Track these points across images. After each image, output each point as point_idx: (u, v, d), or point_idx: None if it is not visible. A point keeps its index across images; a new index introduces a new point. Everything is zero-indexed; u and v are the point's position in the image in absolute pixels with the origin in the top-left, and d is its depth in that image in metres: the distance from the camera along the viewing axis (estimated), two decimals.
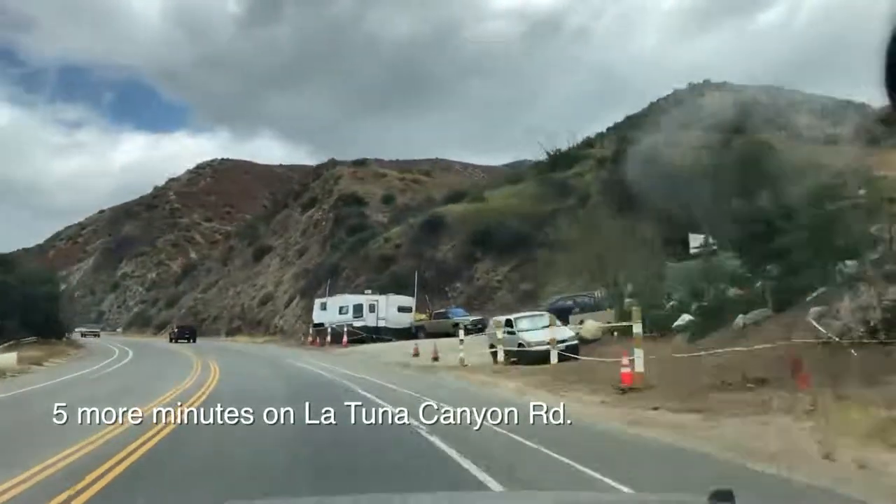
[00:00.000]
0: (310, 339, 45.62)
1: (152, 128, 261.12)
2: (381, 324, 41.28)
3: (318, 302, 46.67)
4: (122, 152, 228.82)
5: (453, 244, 47.04)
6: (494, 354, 22.90)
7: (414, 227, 51.34)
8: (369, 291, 43.58)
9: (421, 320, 41.18)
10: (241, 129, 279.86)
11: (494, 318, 24.80)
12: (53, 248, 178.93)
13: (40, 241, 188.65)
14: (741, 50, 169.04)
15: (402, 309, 41.87)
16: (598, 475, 6.63)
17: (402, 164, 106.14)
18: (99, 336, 68.80)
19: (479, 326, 39.09)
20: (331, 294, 46.89)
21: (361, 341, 39.77)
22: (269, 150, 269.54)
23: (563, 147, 52.71)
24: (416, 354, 28.75)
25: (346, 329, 40.71)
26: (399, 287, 43.94)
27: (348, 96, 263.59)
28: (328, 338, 42.35)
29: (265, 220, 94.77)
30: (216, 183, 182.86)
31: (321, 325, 44.60)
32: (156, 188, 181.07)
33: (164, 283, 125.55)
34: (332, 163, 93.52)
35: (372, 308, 41.70)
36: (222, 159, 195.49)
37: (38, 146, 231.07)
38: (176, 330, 62.51)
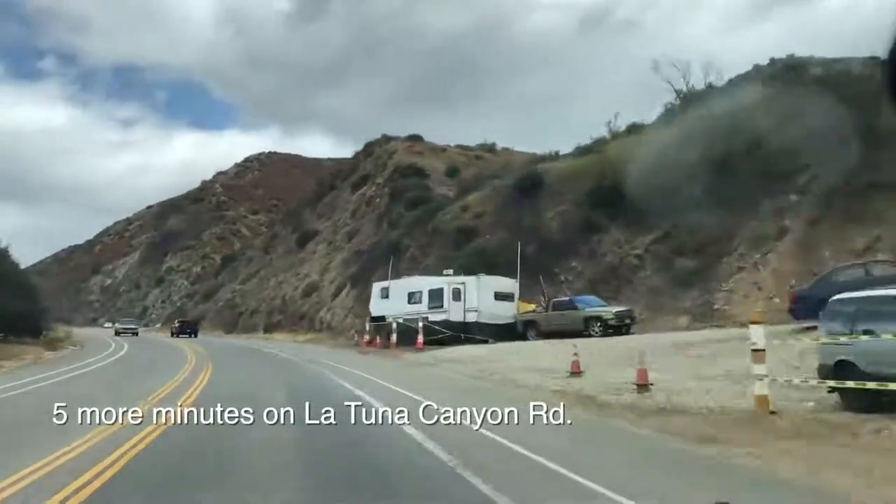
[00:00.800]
0: (366, 338, 31.87)
1: (203, 126, 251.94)
2: (471, 317, 27.19)
3: (376, 287, 32.80)
4: (174, 150, 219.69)
5: (562, 209, 32.73)
6: (848, 393, 8.66)
7: (501, 191, 37.22)
8: (450, 272, 29.55)
9: (530, 312, 27.07)
10: (290, 126, 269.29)
11: (842, 296, 9.90)
12: (101, 244, 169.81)
13: (90, 237, 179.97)
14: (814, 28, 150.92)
15: (500, 296, 27.68)
16: None
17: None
18: (137, 334, 55.35)
19: (627, 322, 24.79)
20: (394, 276, 33.02)
21: (441, 342, 25.90)
22: (317, 146, 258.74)
23: (699, 85, 37.88)
24: (578, 371, 14.73)
25: (420, 324, 26.81)
26: (487, 267, 29.90)
27: (396, 90, 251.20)
28: (393, 337, 28.53)
29: (311, 204, 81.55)
30: (263, 176, 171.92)
31: (381, 318, 30.86)
32: (203, 182, 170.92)
33: (207, 277, 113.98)
34: (385, 138, 79.87)
35: (457, 294, 27.58)
36: (270, 152, 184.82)
37: (93, 145, 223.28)
38: (177, 325, 56.87)
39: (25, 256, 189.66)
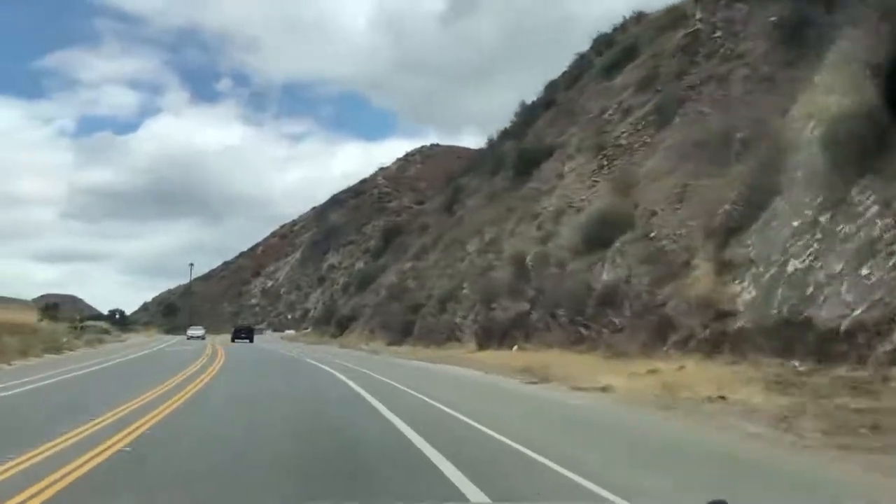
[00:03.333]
0: None
1: (366, 136, 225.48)
2: None
3: None
4: (340, 161, 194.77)
5: None
6: None
7: None
8: None
9: None
10: (446, 129, 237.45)
11: None
12: (263, 246, 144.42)
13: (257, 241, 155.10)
14: None
15: None
16: None
17: None
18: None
19: None
20: None
21: None
22: (476, 144, 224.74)
23: None
24: None
25: None
26: None
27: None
28: None
29: (515, 134, 44.86)
30: (426, 168, 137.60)
31: None
32: (365, 178, 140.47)
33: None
34: (636, 15, 41.79)
35: None
36: (432, 145, 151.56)
37: (266, 160, 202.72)
38: (234, 330, 48.80)
39: (200, 266, 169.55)
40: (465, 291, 25.93)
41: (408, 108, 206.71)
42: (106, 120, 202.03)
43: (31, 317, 35.40)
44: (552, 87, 47.92)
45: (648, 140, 23.04)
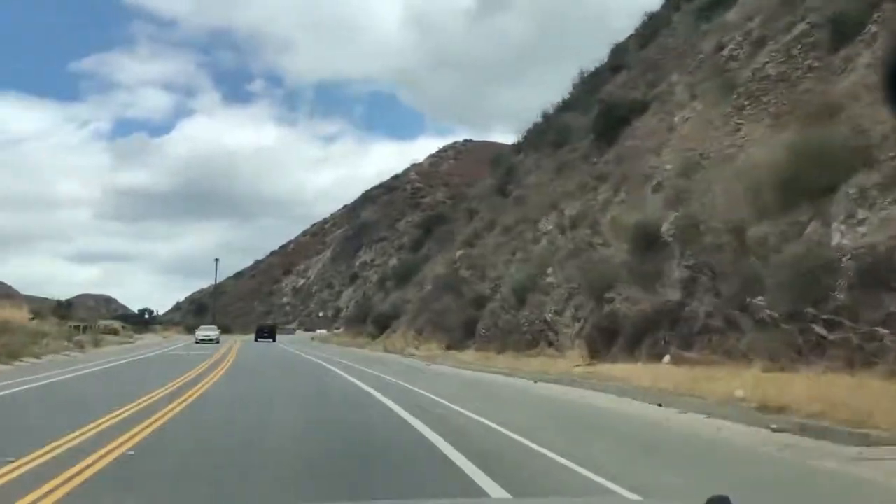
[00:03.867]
0: None
1: (397, 135, 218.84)
2: None
3: None
4: (372, 160, 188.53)
5: None
6: None
7: None
8: None
9: None
10: (478, 127, 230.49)
11: None
12: (294, 244, 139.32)
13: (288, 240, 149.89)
14: None
15: None
16: None
17: None
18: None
19: None
20: None
21: None
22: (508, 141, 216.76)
23: None
24: None
25: None
26: None
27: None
28: None
29: (578, 103, 38.11)
30: (459, 164, 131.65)
31: None
32: (397, 175, 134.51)
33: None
34: None
35: None
36: (465, 140, 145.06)
37: (298, 161, 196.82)
38: (257, 329, 52.01)
39: (232, 265, 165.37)
40: (550, 279, 19.28)
41: (438, 106, 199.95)
42: (140, 122, 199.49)
43: (23, 315, 29.75)
44: (618, 50, 41.46)
45: (815, 63, 16.23)
